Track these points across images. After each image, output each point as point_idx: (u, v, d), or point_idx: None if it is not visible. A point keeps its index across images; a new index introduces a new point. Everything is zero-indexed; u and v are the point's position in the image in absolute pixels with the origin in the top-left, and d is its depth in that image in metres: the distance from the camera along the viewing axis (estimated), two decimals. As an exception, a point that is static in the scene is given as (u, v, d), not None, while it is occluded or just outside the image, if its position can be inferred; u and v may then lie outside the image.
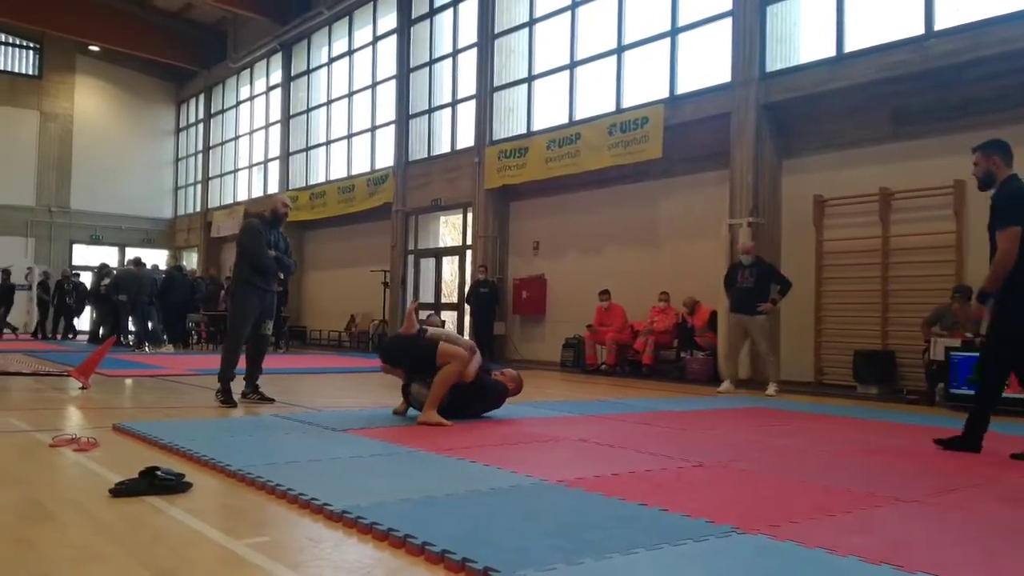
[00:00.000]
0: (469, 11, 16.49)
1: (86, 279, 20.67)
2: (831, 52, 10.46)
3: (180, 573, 2.49)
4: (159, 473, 3.48)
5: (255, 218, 7.24)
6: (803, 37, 11.09)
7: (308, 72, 22.01)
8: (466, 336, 12.13)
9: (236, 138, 25.86)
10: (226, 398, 6.76)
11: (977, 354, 7.92)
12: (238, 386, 6.99)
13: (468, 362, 5.91)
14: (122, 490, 3.42)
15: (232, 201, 25.41)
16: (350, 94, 20.33)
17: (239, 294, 7.01)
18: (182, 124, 29.20)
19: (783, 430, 6.12)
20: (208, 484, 3.72)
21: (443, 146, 17.33)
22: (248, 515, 3.31)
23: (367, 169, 19.42)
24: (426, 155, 17.63)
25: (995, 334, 5.13)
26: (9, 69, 26.05)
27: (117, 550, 2.70)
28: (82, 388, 7.72)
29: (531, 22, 15.12)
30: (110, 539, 2.83)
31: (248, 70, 24.97)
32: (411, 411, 6.16)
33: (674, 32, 12.46)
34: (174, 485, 3.48)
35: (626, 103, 13.16)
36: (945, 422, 6.93)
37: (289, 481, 3.57)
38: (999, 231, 4.99)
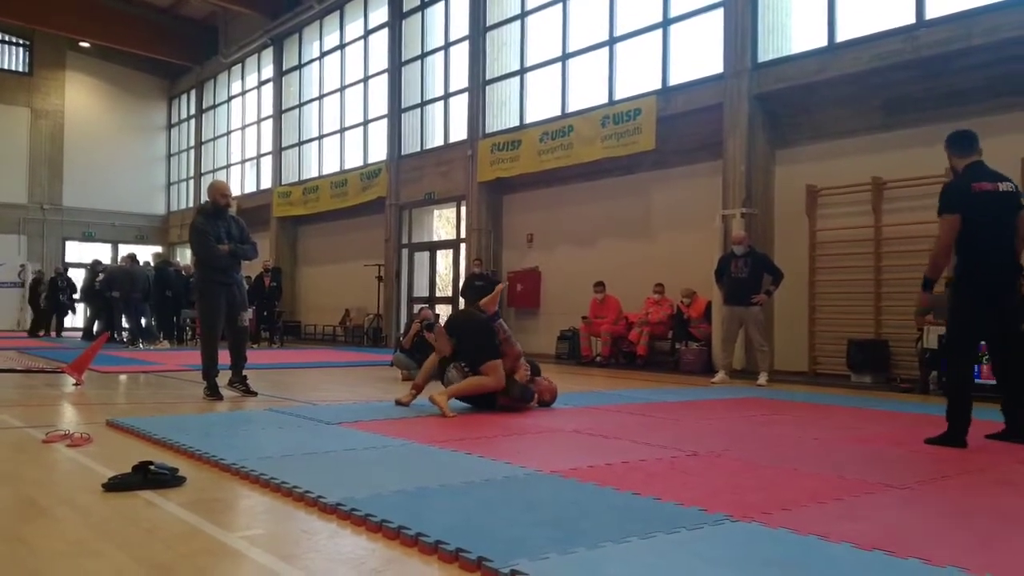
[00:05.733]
0: (460, 4, 16.45)
1: (74, 276, 20.64)
2: (823, 42, 10.46)
3: (174, 567, 2.49)
4: (152, 467, 3.47)
5: (199, 214, 7.07)
6: (795, 27, 11.09)
7: (300, 67, 21.93)
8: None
9: (228, 133, 25.79)
10: (212, 392, 6.85)
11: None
12: (223, 379, 7.04)
13: (501, 388, 6.02)
14: (115, 485, 3.41)
15: (225, 197, 25.31)
16: (342, 88, 20.27)
17: (202, 292, 7.02)
18: (174, 120, 29.09)
19: (777, 419, 6.14)
20: (202, 478, 3.71)
21: (436, 139, 17.30)
22: (242, 508, 3.31)
23: (360, 163, 19.39)
24: (419, 149, 17.60)
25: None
26: (-1, 66, 25.96)
27: (110, 545, 2.70)
28: (76, 384, 7.70)
29: (523, 14, 15.08)
30: (103, 534, 2.83)
31: (239, 65, 24.88)
32: (415, 402, 6.21)
33: (666, 23, 12.44)
34: (168, 479, 3.48)
35: (618, 95, 13.15)
36: (938, 410, 6.95)
37: (283, 474, 3.57)
38: (939, 218, 4.94)
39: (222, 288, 6.94)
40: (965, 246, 4.82)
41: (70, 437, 4.58)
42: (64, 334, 20.00)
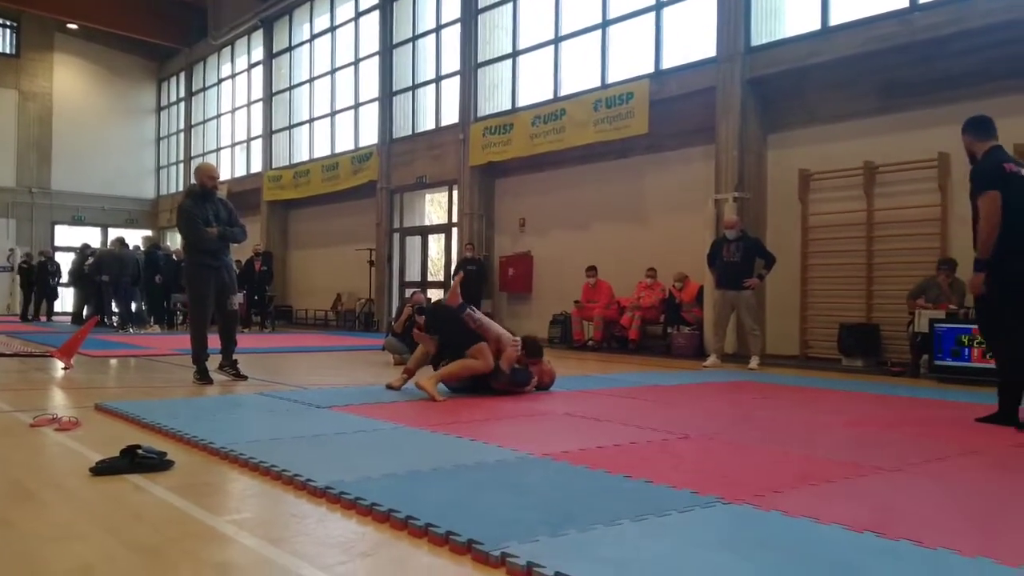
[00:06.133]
0: (452, -14, 16.32)
1: (60, 259, 20.55)
2: (816, 26, 10.42)
3: (162, 551, 2.47)
4: (140, 451, 3.45)
5: (187, 197, 7.04)
6: (788, 11, 11.03)
7: (290, 49, 21.76)
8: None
9: (218, 116, 25.60)
10: (202, 376, 6.81)
11: (963, 325, 8.00)
12: (214, 364, 7.01)
13: (491, 370, 5.98)
14: (103, 468, 3.38)
15: (215, 180, 25.20)
16: (333, 71, 20.14)
17: (190, 274, 7.00)
18: (163, 103, 28.86)
19: (768, 403, 6.15)
20: (190, 462, 3.69)
21: (427, 123, 17.20)
22: (230, 492, 3.29)
23: (351, 147, 19.28)
24: (410, 132, 17.51)
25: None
26: (-14, 48, 25.70)
27: (98, 529, 2.68)
28: (65, 369, 7.66)
29: (515, -4, 14.98)
30: (91, 518, 2.81)
31: (229, 47, 24.67)
32: (406, 386, 6.20)
33: (659, 6, 12.36)
34: (156, 463, 3.45)
35: (611, 78, 13.08)
36: (929, 393, 6.99)
37: (272, 458, 3.55)
38: (978, 198, 4.93)
39: (211, 271, 6.89)
40: (1002, 232, 4.80)
41: (58, 421, 4.54)
42: (54, 318, 19.90)
